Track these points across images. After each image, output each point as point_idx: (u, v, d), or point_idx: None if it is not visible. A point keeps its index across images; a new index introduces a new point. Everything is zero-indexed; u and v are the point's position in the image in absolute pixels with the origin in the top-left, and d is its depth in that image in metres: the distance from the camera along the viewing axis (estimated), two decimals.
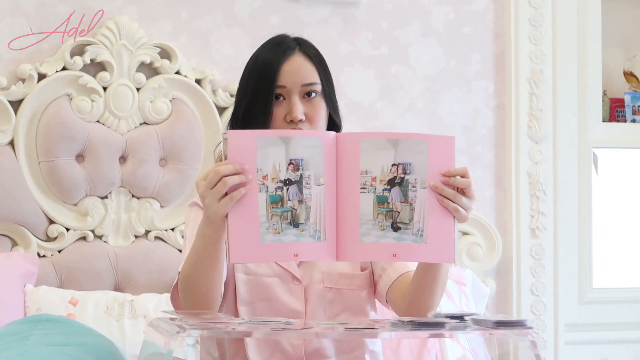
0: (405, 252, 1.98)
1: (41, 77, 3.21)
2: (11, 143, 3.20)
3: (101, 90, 3.24)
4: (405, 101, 3.59)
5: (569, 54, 3.72)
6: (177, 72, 3.32)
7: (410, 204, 1.98)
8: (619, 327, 3.79)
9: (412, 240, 1.97)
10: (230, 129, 2.27)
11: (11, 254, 3.13)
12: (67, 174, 3.19)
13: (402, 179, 1.97)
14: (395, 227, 1.97)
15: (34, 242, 3.20)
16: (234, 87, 3.28)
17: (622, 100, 3.94)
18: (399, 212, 1.97)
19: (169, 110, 3.30)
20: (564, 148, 3.71)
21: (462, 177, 2.00)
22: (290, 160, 1.95)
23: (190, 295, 2.08)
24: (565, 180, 3.71)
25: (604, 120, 3.86)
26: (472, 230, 3.57)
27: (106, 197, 3.26)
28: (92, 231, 3.25)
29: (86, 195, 3.24)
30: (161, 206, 3.31)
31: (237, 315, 2.21)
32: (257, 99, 2.19)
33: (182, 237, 3.27)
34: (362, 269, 2.30)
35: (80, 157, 3.23)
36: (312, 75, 2.21)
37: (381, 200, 1.97)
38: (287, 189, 1.95)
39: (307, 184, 1.96)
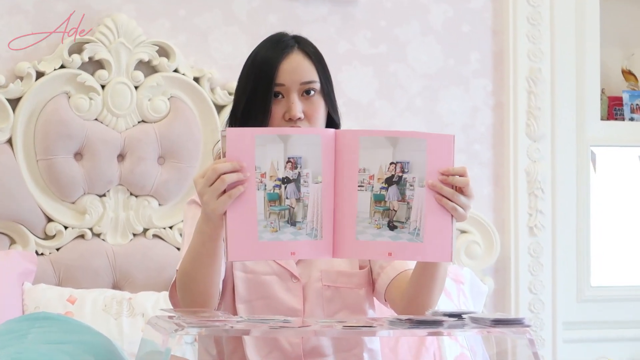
0: (401, 250, 1.97)
1: (39, 75, 3.21)
2: (9, 141, 3.20)
3: (99, 89, 3.24)
4: (404, 99, 3.59)
5: (567, 53, 3.72)
6: (176, 70, 3.32)
7: (408, 203, 1.97)
8: (616, 325, 3.80)
9: (409, 239, 1.97)
10: (229, 127, 2.27)
11: (9, 252, 3.13)
12: (65, 172, 3.19)
13: (400, 177, 1.97)
14: (391, 226, 1.97)
15: (32, 240, 3.20)
16: (233, 85, 3.29)
17: (620, 99, 3.94)
18: (395, 211, 1.97)
19: (167, 109, 3.30)
20: (562, 146, 3.71)
21: (460, 176, 2.00)
22: (289, 158, 1.95)
23: (188, 292, 2.08)
24: (563, 178, 3.71)
25: (602, 119, 3.86)
26: (470, 229, 3.57)
27: (104, 195, 3.27)
28: (90, 229, 3.25)
29: (84, 194, 3.24)
30: (159, 204, 3.31)
31: (235, 313, 2.21)
32: (256, 97, 2.19)
33: (181, 235, 3.27)
34: (361, 267, 2.30)
35: (78, 155, 3.23)
36: (310, 73, 2.21)
37: (378, 199, 1.97)
38: (285, 187, 1.95)
39: (305, 182, 1.96)
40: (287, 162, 1.94)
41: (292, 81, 2.20)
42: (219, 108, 3.36)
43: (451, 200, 1.98)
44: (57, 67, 3.21)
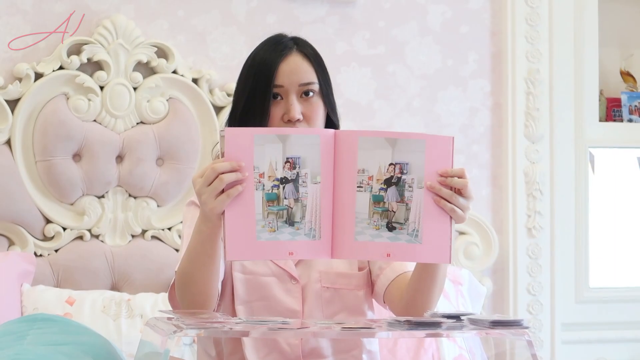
0: (400, 252, 1.97)
1: (38, 76, 3.21)
2: (8, 142, 3.20)
3: (98, 90, 3.24)
4: (402, 100, 3.59)
5: (565, 53, 3.72)
6: (174, 72, 3.32)
7: (406, 204, 1.97)
8: (615, 326, 3.80)
9: (407, 241, 1.97)
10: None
11: (8, 254, 3.13)
12: (64, 173, 3.19)
13: (399, 178, 1.97)
14: (390, 227, 1.97)
15: (30, 241, 3.20)
16: (231, 86, 3.29)
17: (618, 100, 3.95)
18: (394, 212, 1.97)
19: (165, 110, 3.30)
20: (560, 147, 3.71)
21: (459, 177, 2.00)
22: (287, 158, 1.95)
23: (187, 293, 2.08)
24: (561, 179, 3.71)
25: (600, 120, 3.86)
26: (468, 230, 3.57)
27: (103, 196, 3.26)
28: (89, 230, 3.25)
29: (83, 195, 3.24)
30: (158, 205, 3.31)
31: (234, 314, 2.21)
32: (255, 98, 2.19)
33: (179, 236, 3.27)
34: (360, 269, 2.30)
35: (77, 157, 3.23)
36: (309, 74, 2.21)
37: (377, 200, 1.97)
38: (284, 187, 1.95)
39: (304, 182, 1.96)
40: (285, 162, 1.95)
41: (291, 82, 2.20)
42: (218, 109, 3.36)
43: (450, 202, 1.98)
44: (55, 68, 3.21)
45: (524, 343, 1.93)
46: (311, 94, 2.21)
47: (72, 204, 3.24)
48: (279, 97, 2.20)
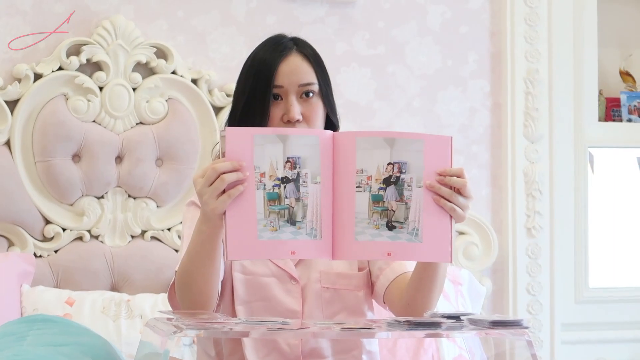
0: (400, 251, 1.97)
1: (37, 77, 3.21)
2: (7, 143, 3.20)
3: (97, 90, 3.24)
4: (402, 101, 3.59)
5: (564, 53, 3.73)
6: (173, 72, 3.32)
7: (406, 203, 1.97)
8: (615, 326, 3.80)
9: (407, 240, 1.97)
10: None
11: (7, 254, 3.13)
12: (63, 174, 3.19)
13: (398, 178, 1.97)
14: (390, 226, 1.97)
15: (30, 242, 3.20)
16: (230, 86, 3.30)
17: (618, 100, 3.95)
18: (394, 211, 1.97)
19: (165, 110, 3.30)
20: (560, 147, 3.71)
21: (458, 177, 2.00)
22: (288, 158, 1.95)
23: (187, 292, 2.08)
24: (561, 179, 3.71)
25: (599, 120, 3.87)
26: (468, 230, 3.58)
27: (102, 197, 3.26)
28: (89, 231, 3.25)
29: (82, 195, 3.24)
30: (157, 206, 3.31)
31: (234, 314, 2.21)
32: (255, 99, 2.19)
33: (179, 237, 3.27)
34: (360, 269, 2.30)
35: (76, 157, 3.23)
36: (309, 75, 2.22)
37: (376, 199, 1.97)
38: (285, 187, 1.95)
39: (304, 182, 1.96)
40: (286, 162, 1.95)
41: (291, 83, 2.20)
42: (217, 110, 3.36)
43: (449, 201, 1.98)
44: (55, 69, 3.21)
45: (523, 343, 1.93)
46: (311, 94, 2.21)
47: (71, 205, 3.24)
48: (279, 98, 2.20)
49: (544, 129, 3.67)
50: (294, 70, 2.21)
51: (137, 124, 3.29)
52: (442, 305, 3.15)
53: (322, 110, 2.24)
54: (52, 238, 3.22)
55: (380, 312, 2.35)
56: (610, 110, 3.95)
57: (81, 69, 3.25)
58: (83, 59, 3.23)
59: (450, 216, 1.99)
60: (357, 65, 3.56)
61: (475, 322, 1.91)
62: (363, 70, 3.56)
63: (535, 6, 3.67)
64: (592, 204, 3.81)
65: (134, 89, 3.28)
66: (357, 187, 1.97)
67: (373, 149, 1.97)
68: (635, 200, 3.96)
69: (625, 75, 4.01)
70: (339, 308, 2.25)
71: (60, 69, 3.23)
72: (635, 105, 3.92)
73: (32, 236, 3.21)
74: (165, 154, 3.28)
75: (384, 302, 2.28)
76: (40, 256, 3.22)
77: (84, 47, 3.24)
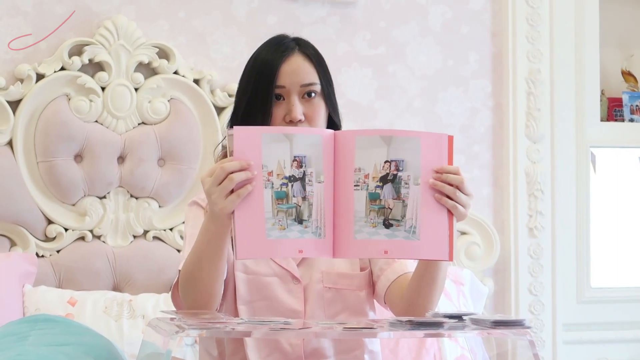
0: (397, 248, 1.96)
1: (39, 77, 3.21)
2: (9, 143, 3.20)
3: (99, 91, 3.24)
4: (403, 101, 3.59)
5: (566, 54, 3.73)
6: (175, 72, 3.32)
7: (403, 201, 1.97)
8: (616, 326, 3.80)
9: (405, 237, 1.96)
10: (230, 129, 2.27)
11: (10, 254, 3.13)
12: (65, 174, 3.19)
13: (395, 175, 1.97)
14: (387, 224, 1.97)
15: (32, 242, 3.20)
16: (232, 87, 3.30)
17: (620, 100, 3.95)
18: (391, 209, 1.97)
19: (167, 110, 3.30)
20: (561, 147, 3.71)
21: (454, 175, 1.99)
22: (294, 157, 1.96)
23: (191, 291, 2.08)
24: (563, 179, 3.71)
25: (601, 120, 3.87)
26: (470, 230, 3.58)
27: (104, 197, 3.27)
28: (91, 231, 3.25)
29: (84, 195, 3.24)
30: (159, 206, 3.31)
31: (236, 314, 2.21)
32: (257, 99, 2.20)
33: (181, 237, 3.27)
34: (362, 269, 2.30)
35: (78, 157, 3.24)
36: (311, 75, 2.22)
37: (373, 197, 1.97)
38: (292, 186, 1.95)
39: (310, 181, 1.97)
40: (293, 161, 1.95)
41: (293, 83, 2.20)
42: (219, 110, 3.36)
43: (451, 199, 1.98)
44: (57, 69, 3.22)
45: (525, 343, 1.93)
46: (313, 94, 2.22)
47: (73, 205, 3.24)
48: (281, 98, 2.20)
49: (545, 129, 3.67)
50: (296, 71, 2.21)
51: (139, 124, 3.29)
52: (444, 305, 3.15)
53: (324, 110, 2.24)
54: (54, 238, 3.23)
55: (382, 312, 2.35)
56: (612, 110, 3.95)
57: (83, 69, 3.25)
58: (85, 59, 3.24)
59: (451, 214, 1.99)
60: (358, 65, 3.56)
61: (477, 322, 1.92)
62: (364, 71, 3.56)
63: (536, 6, 3.67)
64: (594, 204, 3.81)
65: (136, 89, 3.28)
66: (355, 185, 1.97)
67: (371, 147, 1.97)
68: (637, 200, 3.96)
69: (627, 75, 4.01)
70: (340, 308, 2.26)
71: (62, 69, 3.23)
72: (637, 105, 3.92)
73: (34, 236, 3.21)
74: (167, 154, 3.28)
75: (385, 303, 2.28)
76: (43, 256, 3.22)
77: (86, 48, 3.24)
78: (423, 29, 3.61)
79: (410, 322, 1.89)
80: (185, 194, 3.31)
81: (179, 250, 3.26)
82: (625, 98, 3.93)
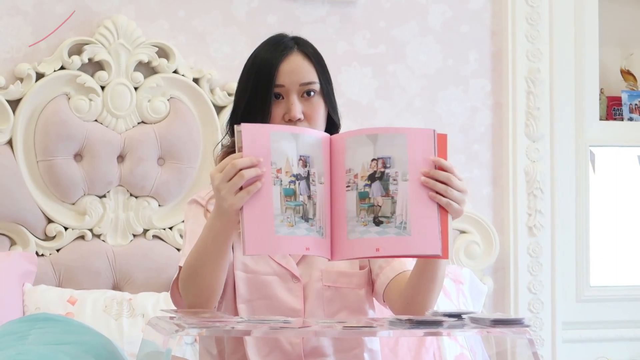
0: (389, 245, 1.95)
1: (39, 76, 3.22)
2: (9, 142, 3.20)
3: (99, 90, 3.25)
4: (403, 100, 3.59)
5: (566, 53, 3.73)
6: (175, 71, 3.33)
7: (392, 198, 1.96)
8: (616, 325, 3.80)
9: (396, 234, 1.95)
10: (230, 128, 2.28)
11: (10, 253, 3.13)
12: (65, 173, 3.20)
13: (383, 173, 1.97)
14: (377, 222, 1.96)
15: (32, 241, 3.20)
16: (232, 86, 3.30)
17: (619, 99, 3.95)
18: (380, 206, 1.96)
19: (166, 110, 3.30)
20: (561, 146, 3.71)
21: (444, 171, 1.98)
22: (300, 156, 1.96)
23: (192, 287, 2.08)
24: (562, 178, 3.72)
25: (601, 119, 3.87)
26: (469, 229, 3.58)
27: (104, 196, 3.27)
28: (91, 230, 3.25)
29: (84, 195, 3.24)
30: (159, 205, 3.31)
31: (236, 313, 2.22)
32: (256, 98, 2.20)
33: (181, 236, 3.27)
34: (361, 268, 2.30)
35: (78, 156, 3.24)
36: (310, 74, 2.22)
37: (363, 196, 1.97)
38: (299, 184, 1.95)
39: (313, 180, 1.97)
40: (299, 160, 1.96)
41: (292, 82, 2.20)
42: (219, 109, 3.36)
43: (444, 196, 1.97)
44: (57, 69, 3.22)
45: (525, 342, 1.93)
46: (312, 93, 2.22)
47: (73, 204, 3.25)
48: (280, 97, 2.21)
49: (545, 128, 3.68)
50: (295, 70, 2.21)
51: (138, 123, 3.29)
52: (444, 303, 3.15)
53: (324, 109, 2.24)
54: (54, 237, 3.23)
55: (381, 311, 2.36)
56: (612, 109, 3.96)
57: (83, 68, 3.25)
58: (85, 58, 3.24)
59: (446, 211, 1.98)
60: (358, 64, 3.56)
61: (477, 321, 1.92)
62: (364, 70, 3.56)
63: (536, 5, 3.67)
64: (593, 203, 3.81)
65: (135, 89, 3.28)
66: (346, 186, 1.98)
67: (358, 147, 1.97)
68: (636, 198, 3.96)
69: (626, 74, 4.01)
70: (340, 306, 2.26)
71: (62, 68, 3.23)
72: (636, 104, 3.92)
73: (34, 235, 3.21)
74: (166, 153, 3.29)
75: (384, 301, 2.28)
76: (42, 255, 3.22)
77: (85, 47, 3.24)
78: (423, 28, 3.61)
79: (409, 320, 1.89)
80: (185, 192, 3.31)
81: (178, 249, 3.26)
82: (624, 97, 3.94)
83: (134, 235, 3.29)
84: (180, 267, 2.14)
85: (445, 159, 1.99)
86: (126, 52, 3.27)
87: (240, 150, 1.94)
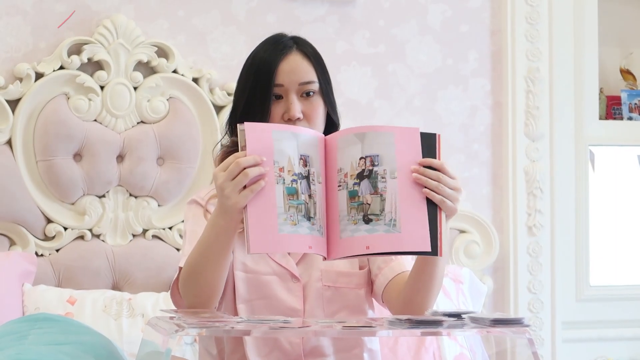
0: (378, 243, 1.95)
1: (38, 76, 3.21)
2: (9, 142, 3.20)
3: (98, 89, 3.24)
4: (403, 99, 3.59)
5: (565, 52, 3.73)
6: (174, 71, 3.32)
7: (381, 195, 1.96)
8: (615, 324, 3.80)
9: (385, 231, 1.95)
10: (229, 127, 2.28)
11: (9, 253, 3.13)
12: (64, 173, 3.19)
13: (371, 171, 1.97)
14: (366, 220, 1.96)
15: (32, 241, 3.20)
16: (231, 85, 3.30)
17: (618, 98, 3.95)
18: (369, 204, 1.96)
19: (166, 109, 3.30)
20: (560, 146, 3.71)
21: (435, 170, 1.98)
22: (301, 155, 1.97)
23: (193, 286, 2.08)
24: (562, 177, 3.72)
25: (600, 118, 3.87)
26: (469, 228, 3.58)
27: (104, 196, 3.27)
28: (90, 230, 3.25)
29: (84, 194, 3.24)
30: (159, 205, 3.31)
31: (235, 313, 2.22)
32: (255, 97, 2.20)
33: (181, 235, 3.27)
34: (361, 268, 2.30)
35: (77, 156, 3.24)
36: (309, 74, 2.22)
37: (353, 195, 1.97)
38: (300, 183, 1.96)
39: (313, 180, 1.98)
40: (300, 159, 1.96)
41: (291, 82, 2.21)
42: (218, 108, 3.36)
43: (438, 193, 1.97)
44: (56, 68, 3.22)
45: (524, 341, 1.93)
46: (311, 93, 2.22)
47: (73, 204, 3.24)
48: (280, 97, 2.21)
49: (544, 127, 3.68)
50: (294, 69, 2.22)
51: (138, 123, 3.29)
52: (443, 303, 3.15)
53: (323, 108, 2.24)
54: (53, 237, 3.23)
55: (381, 311, 2.36)
56: (611, 109, 3.96)
57: (82, 68, 3.25)
58: (84, 58, 3.24)
59: (440, 209, 1.98)
60: (357, 64, 3.56)
61: (477, 321, 1.92)
62: (363, 69, 3.56)
63: (535, 5, 3.67)
64: (592, 202, 3.81)
65: (135, 88, 3.28)
66: (338, 186, 1.98)
67: (347, 147, 1.99)
68: (636, 198, 3.96)
69: (626, 73, 4.01)
70: (340, 306, 2.26)
71: (61, 68, 3.23)
72: (635, 104, 3.92)
73: (33, 235, 3.21)
74: (166, 152, 3.29)
75: (383, 301, 2.28)
76: (42, 255, 3.22)
77: (85, 47, 3.24)
78: (422, 27, 3.61)
79: (409, 320, 1.89)
80: (184, 192, 3.31)
81: (178, 249, 3.26)
82: (624, 96, 3.93)
83: (134, 235, 3.29)
84: (180, 268, 2.14)
85: (439, 158, 1.99)
86: (125, 52, 3.27)
87: (243, 149, 1.94)
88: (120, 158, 3.27)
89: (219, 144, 2.34)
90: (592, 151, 3.86)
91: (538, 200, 3.66)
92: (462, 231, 3.58)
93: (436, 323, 1.90)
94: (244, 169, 1.92)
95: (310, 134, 2.03)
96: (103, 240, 3.26)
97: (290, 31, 2.32)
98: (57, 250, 3.23)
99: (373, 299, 2.33)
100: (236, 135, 2.22)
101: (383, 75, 3.58)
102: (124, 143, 3.25)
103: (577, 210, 3.76)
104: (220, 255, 2.04)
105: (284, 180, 1.94)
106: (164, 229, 3.30)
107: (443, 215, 1.98)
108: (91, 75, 3.25)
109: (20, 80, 3.20)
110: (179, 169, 3.29)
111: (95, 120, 3.25)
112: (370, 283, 2.31)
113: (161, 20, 3.37)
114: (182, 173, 3.29)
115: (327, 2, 3.52)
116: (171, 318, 1.93)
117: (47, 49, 3.25)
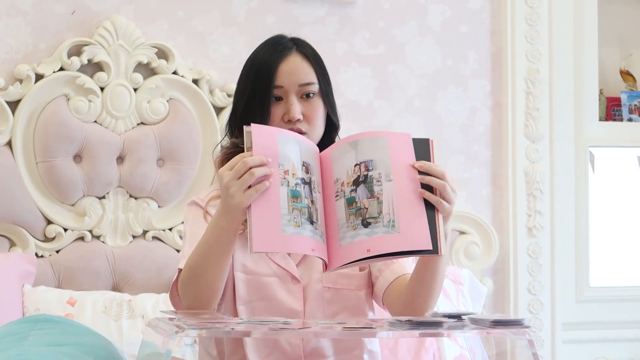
0: (379, 244, 1.95)
1: (38, 77, 3.21)
2: (9, 143, 3.20)
3: (98, 91, 3.25)
4: (402, 100, 3.59)
5: (565, 53, 3.73)
6: (174, 72, 3.32)
7: (377, 198, 1.97)
8: (615, 325, 3.80)
9: (384, 232, 1.95)
10: (229, 129, 2.28)
11: (9, 255, 3.13)
12: (64, 174, 3.19)
13: (366, 176, 1.98)
14: (365, 224, 1.97)
15: (32, 242, 3.20)
16: (231, 87, 3.30)
17: (618, 99, 3.95)
18: (367, 209, 1.97)
19: (166, 111, 3.30)
20: (560, 147, 3.71)
21: (435, 177, 2.00)
22: (303, 162, 1.98)
23: (193, 288, 2.08)
24: (562, 179, 3.72)
25: (600, 119, 3.87)
26: (469, 230, 3.58)
27: (104, 197, 3.27)
28: (90, 231, 3.25)
29: (84, 196, 3.24)
30: (159, 206, 3.31)
31: (235, 314, 2.22)
32: (255, 99, 2.20)
33: (181, 237, 3.27)
34: (361, 269, 2.30)
35: (77, 158, 3.24)
36: (309, 75, 2.22)
37: (350, 202, 1.99)
38: (304, 187, 1.97)
39: (314, 188, 1.99)
40: (302, 165, 1.97)
41: (291, 83, 2.21)
42: (218, 110, 3.36)
43: (440, 194, 1.98)
44: (56, 70, 3.22)
45: (524, 342, 1.93)
46: (311, 94, 2.23)
47: (73, 205, 3.24)
48: (280, 98, 2.21)
49: (544, 128, 3.68)
50: (294, 70, 2.22)
51: (138, 124, 3.29)
52: (443, 304, 3.15)
53: (323, 110, 2.25)
54: (53, 238, 3.23)
55: (381, 312, 2.36)
56: (611, 110, 3.96)
57: (82, 69, 3.25)
58: (84, 59, 3.24)
59: (437, 209, 1.98)
60: (357, 64, 3.56)
61: (477, 322, 1.92)
62: (363, 70, 3.56)
63: (535, 6, 3.67)
64: (592, 204, 3.81)
65: (135, 90, 3.28)
66: (335, 197, 1.99)
67: (342, 156, 2.01)
68: (635, 199, 3.96)
69: (626, 74, 4.01)
70: (340, 308, 2.26)
71: (61, 69, 3.23)
72: (635, 105, 3.92)
73: (33, 236, 3.21)
74: (166, 154, 3.29)
75: (383, 304, 2.28)
76: (42, 256, 3.22)
77: (85, 48, 3.24)
78: (422, 28, 3.61)
79: (409, 321, 1.89)
80: (184, 194, 3.31)
81: (178, 250, 3.26)
82: (623, 97, 3.94)
83: (134, 237, 3.29)
84: (179, 270, 2.14)
85: (432, 160, 2.01)
86: (125, 53, 3.27)
87: (249, 150, 1.96)
88: (120, 159, 3.27)
89: (219, 145, 2.34)
90: (592, 152, 3.86)
91: (538, 201, 3.66)
92: (462, 232, 3.58)
93: (436, 324, 1.90)
94: (250, 168, 1.93)
95: (310, 144, 2.04)
96: (103, 242, 3.26)
97: (290, 32, 2.33)
98: (57, 252, 3.23)
99: (373, 301, 2.33)
100: (236, 137, 2.24)
101: (383, 76, 3.58)
102: (124, 144, 3.25)
103: (577, 211, 3.76)
104: (221, 257, 2.04)
105: (288, 182, 1.96)
106: (164, 230, 3.30)
107: (440, 216, 1.98)
108: (91, 77, 3.25)
109: (20, 81, 3.21)
110: (179, 170, 3.29)
111: (95, 121, 3.25)
112: (370, 285, 2.31)
113: (161, 21, 3.37)
114: (182, 174, 3.29)
115: (327, 3, 3.52)
116: (171, 319, 1.93)
117: (47, 50, 3.26)
